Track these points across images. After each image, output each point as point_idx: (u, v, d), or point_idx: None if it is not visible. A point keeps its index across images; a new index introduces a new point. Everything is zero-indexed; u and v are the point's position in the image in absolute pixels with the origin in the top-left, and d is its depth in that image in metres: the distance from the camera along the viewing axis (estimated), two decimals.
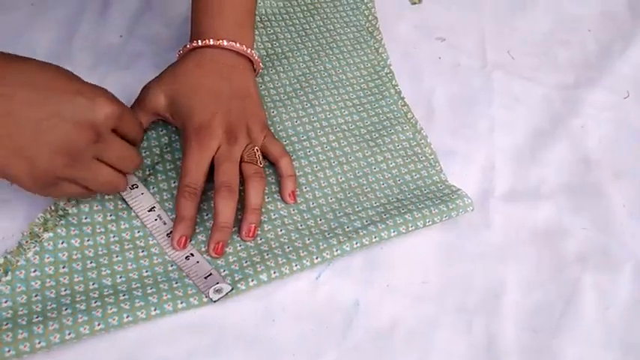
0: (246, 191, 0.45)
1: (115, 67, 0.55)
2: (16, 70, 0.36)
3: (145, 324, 0.40)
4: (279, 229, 0.46)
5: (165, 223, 0.44)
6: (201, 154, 0.45)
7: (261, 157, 0.47)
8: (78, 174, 0.38)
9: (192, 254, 0.43)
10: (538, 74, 0.62)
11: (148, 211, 0.45)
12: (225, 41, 0.49)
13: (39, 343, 0.37)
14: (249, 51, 0.50)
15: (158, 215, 0.45)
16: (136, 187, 0.45)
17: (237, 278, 0.42)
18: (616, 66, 0.63)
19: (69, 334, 0.38)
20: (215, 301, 0.41)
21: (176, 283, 0.41)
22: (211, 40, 0.48)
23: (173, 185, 0.47)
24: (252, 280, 0.42)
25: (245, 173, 0.46)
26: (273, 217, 0.46)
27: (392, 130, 0.54)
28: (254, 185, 0.45)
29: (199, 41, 0.49)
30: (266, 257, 0.44)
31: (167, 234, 0.44)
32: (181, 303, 0.41)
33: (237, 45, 0.49)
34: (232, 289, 0.42)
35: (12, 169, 0.37)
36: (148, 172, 0.47)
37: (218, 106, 0.47)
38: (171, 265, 0.43)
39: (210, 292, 0.41)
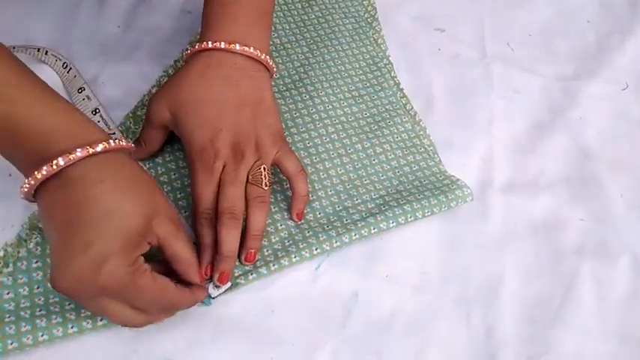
0: (248, 216, 0.43)
1: (113, 58, 0.54)
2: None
3: None
4: (278, 224, 0.46)
5: None
6: (209, 178, 0.42)
7: (267, 177, 0.44)
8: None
9: None
10: (537, 65, 0.62)
11: None
12: (237, 45, 0.45)
13: (42, 336, 0.37)
14: (263, 56, 0.46)
15: None
16: None
17: (236, 274, 0.43)
18: (615, 57, 0.63)
19: (71, 327, 0.38)
20: (214, 298, 0.41)
21: None
22: (222, 43, 0.45)
23: (173, 177, 0.47)
24: (252, 274, 0.42)
25: (248, 196, 0.43)
26: (273, 209, 0.46)
27: (391, 122, 0.54)
28: (256, 211, 0.43)
29: (209, 43, 0.45)
30: (266, 254, 0.44)
31: None
32: None
33: (251, 50, 0.45)
34: (232, 286, 0.42)
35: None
36: (147, 166, 0.47)
37: (223, 120, 0.44)
38: None
39: (210, 288, 0.41)
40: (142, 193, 0.36)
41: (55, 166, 0.34)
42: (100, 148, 0.35)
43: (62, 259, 0.34)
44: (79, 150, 0.35)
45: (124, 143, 0.37)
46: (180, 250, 0.38)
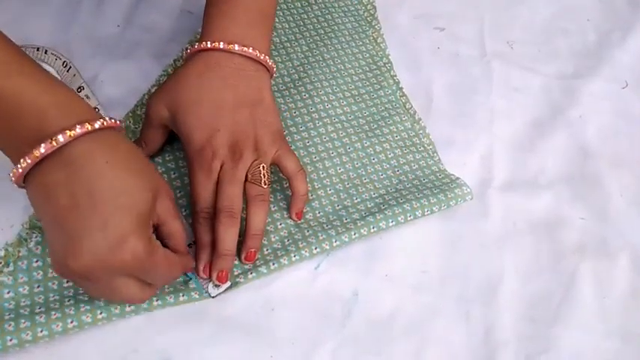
0: (248, 214, 0.43)
1: (113, 57, 0.54)
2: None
3: (146, 314, 0.40)
4: (278, 223, 0.46)
5: None
6: (207, 178, 0.42)
7: (267, 176, 0.44)
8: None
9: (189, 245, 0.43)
10: (537, 64, 0.62)
11: None
12: (236, 45, 0.45)
13: (41, 331, 0.37)
14: (262, 57, 0.46)
15: None
16: None
17: (236, 273, 0.43)
18: (615, 55, 0.63)
19: (71, 322, 0.38)
20: (214, 297, 0.41)
21: None
22: (221, 43, 0.44)
23: (173, 176, 0.47)
24: (252, 273, 0.42)
25: (248, 195, 0.43)
26: (272, 209, 0.46)
27: (390, 121, 0.54)
28: (256, 210, 0.43)
29: (208, 43, 0.45)
30: (265, 253, 0.44)
31: None
32: (183, 296, 0.41)
33: (250, 50, 0.45)
34: (231, 285, 0.42)
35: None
36: None
37: (220, 120, 0.43)
38: None
39: (209, 287, 0.41)
40: (144, 171, 0.36)
41: (54, 143, 0.33)
42: (98, 124, 0.34)
43: (75, 239, 0.33)
44: (78, 126, 0.33)
45: (117, 122, 0.37)
46: (177, 227, 0.39)
